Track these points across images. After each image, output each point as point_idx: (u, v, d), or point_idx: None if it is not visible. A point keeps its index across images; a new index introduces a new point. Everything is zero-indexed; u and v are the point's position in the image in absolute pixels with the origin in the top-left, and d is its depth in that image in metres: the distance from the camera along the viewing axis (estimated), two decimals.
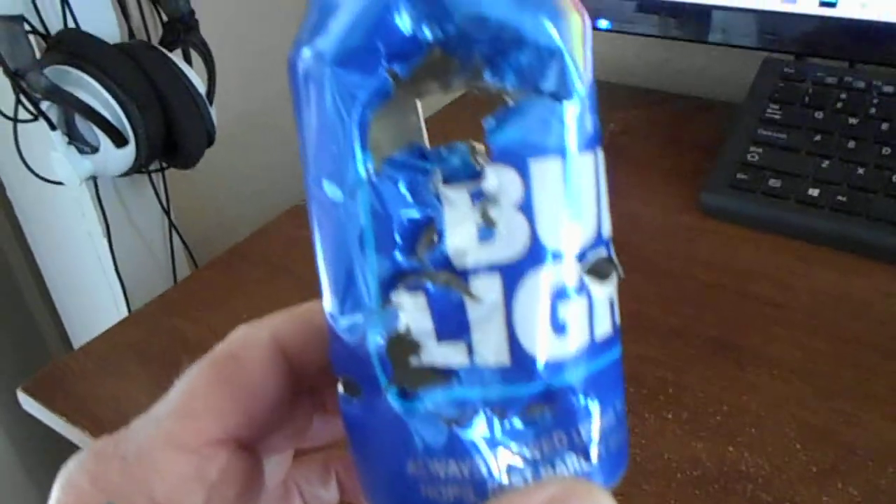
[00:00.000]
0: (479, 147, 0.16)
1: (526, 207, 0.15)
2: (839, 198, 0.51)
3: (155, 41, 0.67)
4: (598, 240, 0.16)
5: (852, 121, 0.54)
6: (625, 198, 0.58)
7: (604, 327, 0.16)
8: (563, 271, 0.15)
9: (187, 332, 0.48)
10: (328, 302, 0.17)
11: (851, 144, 0.53)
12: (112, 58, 0.59)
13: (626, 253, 0.55)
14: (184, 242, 0.79)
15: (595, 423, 0.16)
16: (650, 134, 0.67)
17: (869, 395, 0.40)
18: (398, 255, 0.15)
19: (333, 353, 0.17)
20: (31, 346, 0.89)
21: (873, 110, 0.54)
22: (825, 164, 0.53)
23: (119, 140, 0.60)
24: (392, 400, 0.16)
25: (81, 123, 0.61)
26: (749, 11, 0.59)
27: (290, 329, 0.18)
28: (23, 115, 0.61)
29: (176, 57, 0.64)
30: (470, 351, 0.15)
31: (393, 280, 0.15)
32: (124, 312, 0.73)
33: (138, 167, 0.63)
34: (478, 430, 0.16)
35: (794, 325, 0.45)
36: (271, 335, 0.18)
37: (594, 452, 0.16)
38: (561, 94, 0.15)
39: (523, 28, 0.14)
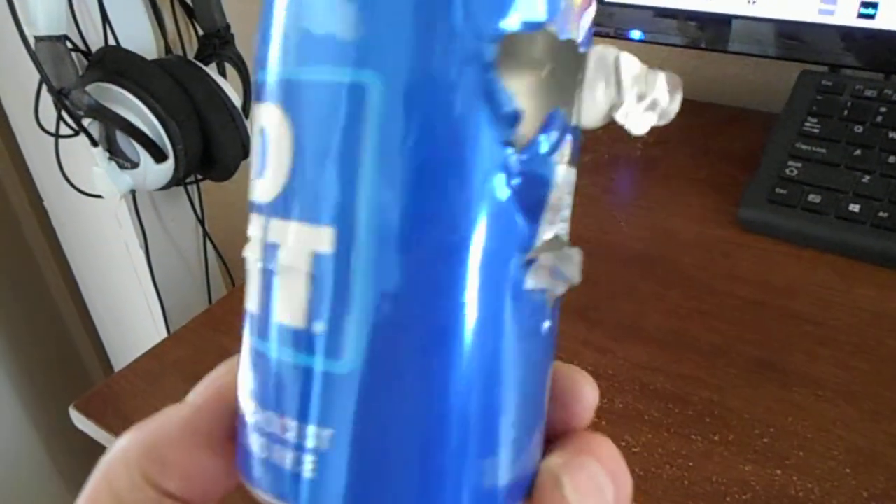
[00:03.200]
0: None
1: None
2: (880, 213, 0.51)
3: (191, 55, 0.68)
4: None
5: (893, 135, 0.54)
6: (659, 210, 0.59)
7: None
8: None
9: (231, 349, 0.49)
10: None
11: (892, 159, 0.53)
12: (151, 74, 0.60)
13: (661, 267, 0.55)
14: (217, 252, 0.80)
15: None
16: (683, 144, 0.67)
17: None
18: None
19: None
20: (66, 354, 0.90)
21: None
22: (866, 178, 0.53)
23: (159, 156, 0.61)
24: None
25: (122, 139, 0.62)
26: (784, 22, 0.59)
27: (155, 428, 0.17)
28: (64, 130, 0.62)
29: (212, 71, 0.65)
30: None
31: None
32: (160, 322, 0.74)
33: (176, 181, 0.64)
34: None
35: (835, 344, 0.45)
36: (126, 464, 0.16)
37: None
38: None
39: None
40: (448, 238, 0.13)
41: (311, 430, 0.14)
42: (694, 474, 0.38)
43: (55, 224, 0.80)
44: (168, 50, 0.69)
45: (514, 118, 0.13)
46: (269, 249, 0.14)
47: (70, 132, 0.62)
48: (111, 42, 0.63)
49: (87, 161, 0.63)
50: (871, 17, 0.56)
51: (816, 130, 0.56)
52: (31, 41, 0.54)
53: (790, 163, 0.55)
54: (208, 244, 0.78)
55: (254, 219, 0.15)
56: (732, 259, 0.53)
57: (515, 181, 0.14)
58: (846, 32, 0.57)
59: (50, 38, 0.55)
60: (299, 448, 0.14)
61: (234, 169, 0.68)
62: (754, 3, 0.60)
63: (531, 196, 0.14)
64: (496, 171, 0.13)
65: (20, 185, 0.80)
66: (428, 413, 0.14)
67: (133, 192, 0.68)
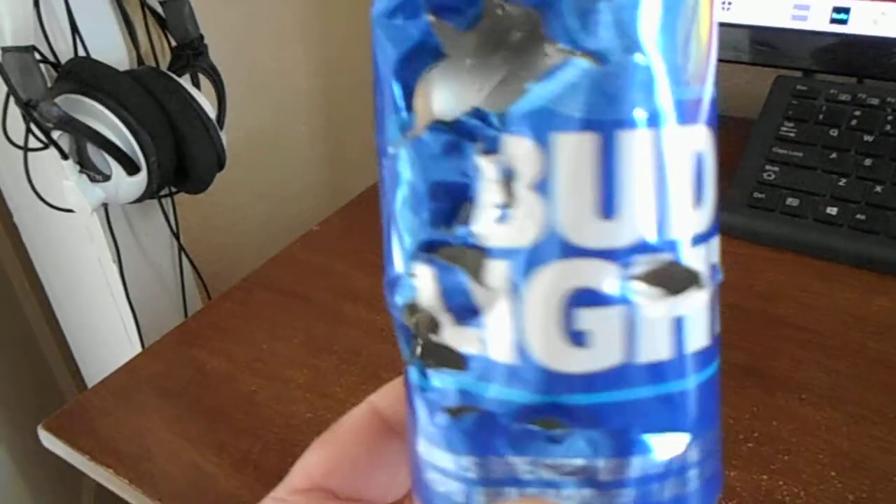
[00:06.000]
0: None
1: (543, 188, 0.13)
2: (858, 216, 0.51)
3: (164, 66, 0.67)
4: (658, 241, 0.13)
5: (867, 138, 0.54)
6: None
7: (658, 351, 0.14)
8: (589, 272, 0.13)
9: (207, 364, 0.48)
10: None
11: (868, 162, 0.53)
12: (123, 86, 0.59)
13: None
14: (193, 266, 0.78)
15: (630, 464, 0.14)
16: None
17: None
18: (427, 224, 0.14)
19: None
20: (38, 371, 0.88)
21: (888, 127, 0.54)
22: (842, 182, 0.53)
23: (131, 168, 0.59)
24: (412, 373, 0.15)
25: (93, 152, 0.60)
26: (758, 28, 0.59)
27: (385, 395, 0.19)
28: (33, 143, 0.61)
29: (185, 82, 0.64)
30: (482, 340, 0.14)
31: (421, 248, 0.14)
32: (135, 337, 0.73)
33: (150, 194, 0.63)
34: (475, 427, 0.14)
35: (818, 347, 0.45)
36: (367, 402, 0.19)
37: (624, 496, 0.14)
38: (611, 57, 0.12)
39: None
40: None
41: None
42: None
43: (25, 239, 0.78)
44: (140, 61, 0.68)
45: None
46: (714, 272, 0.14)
47: (39, 145, 0.61)
48: (81, 53, 0.62)
49: (58, 175, 0.61)
50: (844, 22, 0.56)
51: (792, 135, 0.56)
52: None
53: (767, 167, 0.55)
54: (184, 258, 0.76)
55: (702, 250, 0.14)
56: None
57: None
58: (819, 38, 0.57)
59: (17, 49, 0.53)
60: None
61: (209, 181, 0.66)
62: (728, 9, 0.60)
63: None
64: None
65: None
66: None
67: (105, 206, 0.67)
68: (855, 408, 0.41)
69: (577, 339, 0.13)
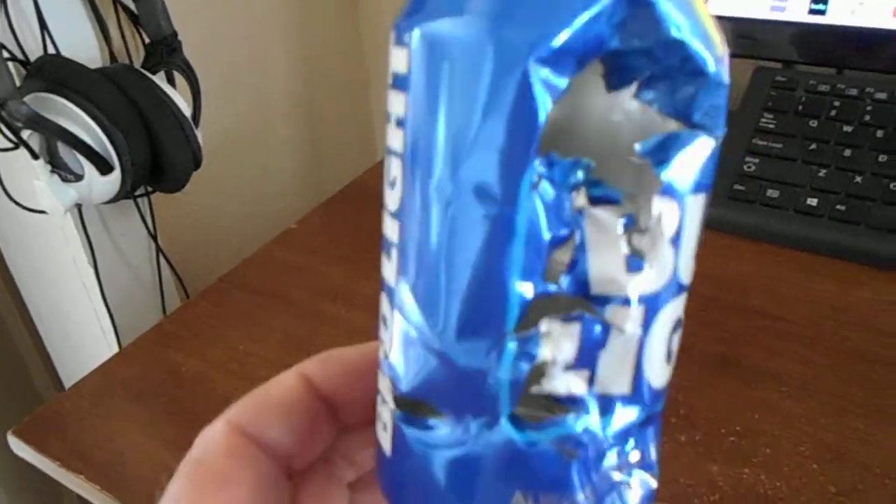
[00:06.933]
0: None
1: (676, 242, 0.15)
2: (838, 207, 0.51)
3: (137, 64, 0.66)
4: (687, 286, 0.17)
5: (847, 129, 0.54)
6: None
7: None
8: (683, 303, 0.16)
9: (182, 366, 0.47)
10: (425, 325, 0.15)
11: (847, 153, 0.53)
12: (95, 83, 0.58)
13: None
14: (171, 265, 0.77)
15: (659, 443, 0.17)
16: None
17: (880, 410, 0.39)
18: (538, 277, 0.14)
19: (407, 377, 0.16)
20: (15, 374, 0.87)
21: (867, 117, 0.54)
22: (822, 173, 0.53)
23: (104, 167, 0.58)
24: (506, 428, 0.15)
25: (65, 151, 0.59)
26: (738, 20, 0.59)
27: (244, 410, 0.19)
28: (3, 143, 0.59)
29: (159, 80, 0.63)
30: (591, 380, 0.15)
31: (532, 304, 0.14)
32: (112, 339, 0.71)
33: (124, 194, 0.62)
34: (583, 460, 0.15)
35: (798, 339, 0.45)
36: (227, 422, 0.18)
37: (656, 474, 0.16)
38: (715, 129, 0.15)
39: (703, 59, 0.14)
40: None
41: None
42: (661, 476, 0.37)
43: None
44: (113, 59, 0.67)
45: None
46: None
47: (9, 145, 0.59)
48: (51, 50, 0.60)
49: (29, 175, 0.60)
50: (822, 13, 0.56)
51: (772, 126, 0.56)
52: None
53: (748, 159, 0.55)
54: (161, 258, 0.75)
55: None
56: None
57: None
58: (798, 29, 0.57)
59: None
60: None
61: (185, 180, 0.65)
62: (707, 0, 0.59)
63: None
64: None
65: None
66: None
67: (79, 207, 0.65)
68: (835, 400, 0.40)
69: (670, 358, 0.16)
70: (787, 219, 0.52)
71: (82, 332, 0.76)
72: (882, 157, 0.52)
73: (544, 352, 0.15)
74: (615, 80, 0.15)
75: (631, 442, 0.16)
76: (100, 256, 0.68)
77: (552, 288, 0.14)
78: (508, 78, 0.13)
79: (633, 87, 0.15)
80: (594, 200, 0.14)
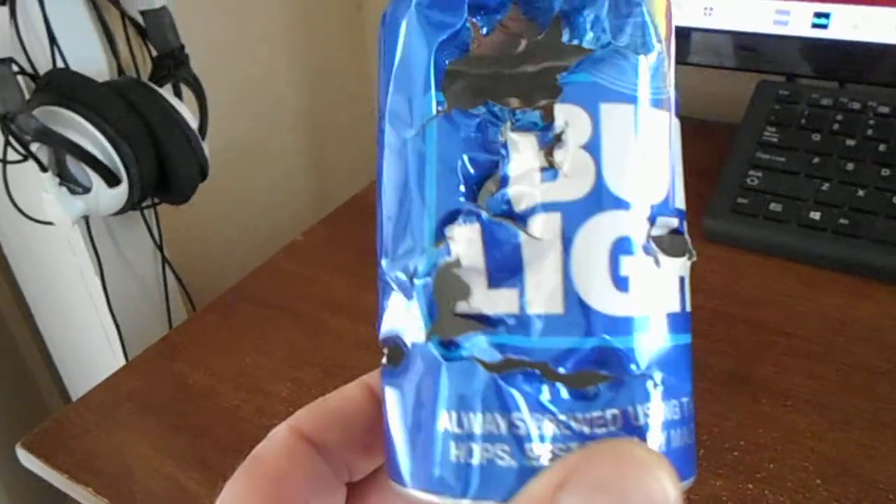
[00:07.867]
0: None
1: (593, 148, 0.15)
2: (841, 220, 0.51)
3: (145, 77, 0.66)
4: (670, 207, 0.16)
5: (850, 142, 0.54)
6: None
7: (672, 304, 0.15)
8: (628, 223, 0.15)
9: (189, 378, 0.47)
10: (383, 257, 0.16)
11: (850, 166, 0.53)
12: (102, 97, 0.58)
13: None
14: (177, 277, 0.77)
15: (656, 406, 0.15)
16: None
17: (885, 424, 0.40)
18: (459, 198, 0.15)
19: (381, 321, 0.16)
20: (23, 386, 0.87)
21: (870, 131, 0.54)
22: (825, 186, 0.53)
23: (111, 180, 0.59)
24: (433, 348, 0.15)
25: (72, 164, 0.60)
26: (740, 33, 0.59)
27: (306, 416, 0.19)
28: (11, 155, 0.60)
29: (166, 92, 0.63)
30: (521, 297, 0.15)
31: (450, 220, 0.15)
32: (118, 350, 0.72)
33: (131, 206, 0.62)
34: (521, 384, 0.14)
35: (803, 353, 0.45)
36: (289, 426, 0.19)
37: (653, 439, 0.15)
38: (637, 48, 0.15)
39: None
40: None
41: None
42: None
43: (7, 252, 0.77)
44: (121, 72, 0.68)
45: None
46: None
47: (18, 158, 0.60)
48: (60, 65, 0.61)
49: (38, 187, 0.61)
50: (825, 27, 0.56)
51: (775, 139, 0.56)
52: None
53: (751, 172, 0.55)
54: (167, 270, 0.76)
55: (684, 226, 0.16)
56: (698, 270, 0.52)
57: None
58: (801, 42, 0.58)
59: None
60: None
61: (192, 191, 0.66)
62: (710, 14, 0.60)
63: None
64: None
65: None
66: None
67: (87, 218, 0.66)
68: (840, 413, 0.40)
69: (621, 284, 0.15)
70: (790, 232, 0.52)
71: (89, 344, 0.76)
72: (885, 171, 0.52)
73: (451, 256, 0.15)
74: (532, 12, 0.16)
75: (590, 381, 0.14)
76: (107, 268, 0.69)
77: (473, 208, 0.15)
78: (401, 21, 0.16)
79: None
80: (517, 128, 0.15)
